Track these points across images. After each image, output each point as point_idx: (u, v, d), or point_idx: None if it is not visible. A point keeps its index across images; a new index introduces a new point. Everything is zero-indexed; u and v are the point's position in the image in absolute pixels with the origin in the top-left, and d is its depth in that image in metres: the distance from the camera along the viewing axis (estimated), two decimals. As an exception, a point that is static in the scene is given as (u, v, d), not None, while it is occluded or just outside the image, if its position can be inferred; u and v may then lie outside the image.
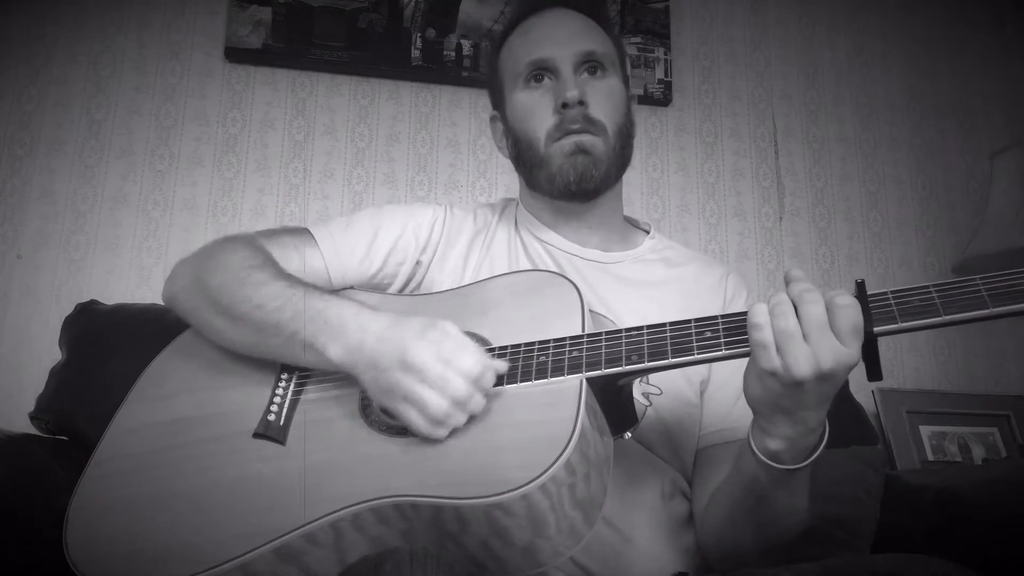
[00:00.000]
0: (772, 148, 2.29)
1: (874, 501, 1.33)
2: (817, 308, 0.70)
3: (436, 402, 0.74)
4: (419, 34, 2.09)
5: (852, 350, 0.70)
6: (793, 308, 0.71)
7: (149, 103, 1.97)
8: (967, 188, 2.37)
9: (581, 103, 1.02)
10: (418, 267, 1.08)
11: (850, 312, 0.69)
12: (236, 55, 2.00)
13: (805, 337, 0.70)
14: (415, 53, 2.08)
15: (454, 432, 0.76)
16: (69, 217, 1.87)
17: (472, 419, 0.76)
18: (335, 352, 0.81)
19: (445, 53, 2.09)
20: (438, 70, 2.09)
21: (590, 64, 1.06)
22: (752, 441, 0.79)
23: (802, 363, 0.69)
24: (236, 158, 1.98)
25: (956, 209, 2.35)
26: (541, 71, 1.05)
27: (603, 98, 1.05)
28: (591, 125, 1.03)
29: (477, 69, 2.10)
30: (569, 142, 1.03)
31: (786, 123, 2.31)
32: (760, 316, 0.72)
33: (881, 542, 1.28)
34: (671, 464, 0.98)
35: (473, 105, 2.12)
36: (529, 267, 1.06)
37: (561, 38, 1.06)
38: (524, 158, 1.08)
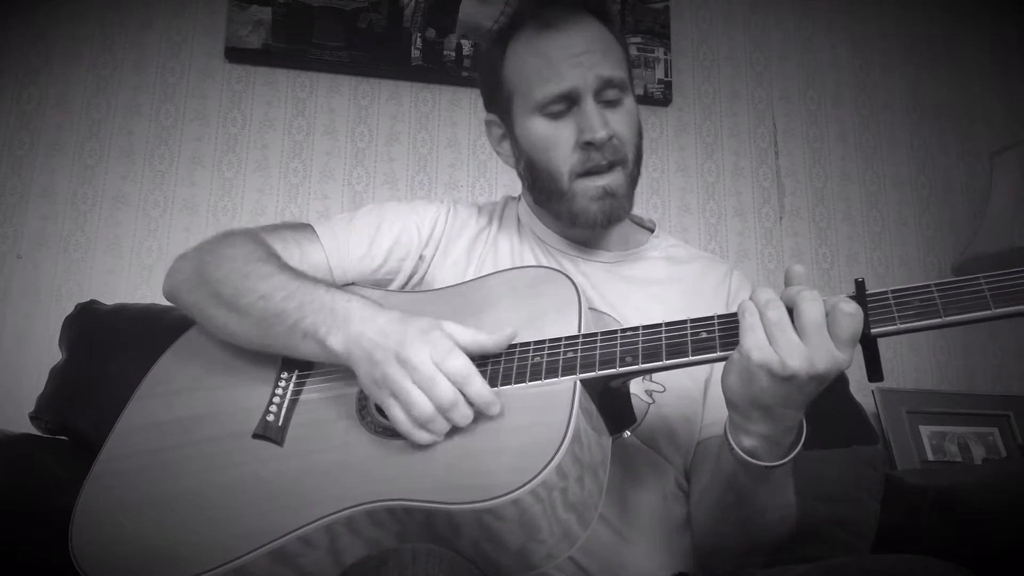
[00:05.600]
0: (772, 148, 2.29)
1: (874, 501, 1.33)
2: (816, 307, 0.70)
3: (422, 403, 0.74)
4: (419, 34, 2.09)
5: (847, 356, 0.70)
6: (783, 306, 0.71)
7: (149, 103, 1.97)
8: (967, 188, 2.37)
9: (609, 139, 0.99)
10: (420, 263, 1.07)
11: (853, 321, 0.69)
12: (236, 55, 2.00)
13: (802, 336, 0.70)
14: (415, 53, 2.08)
15: (440, 439, 0.75)
16: (69, 217, 1.87)
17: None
18: (336, 341, 0.81)
19: (445, 53, 2.09)
20: (438, 70, 2.09)
21: (610, 91, 1.01)
22: (729, 437, 0.79)
23: (796, 355, 0.69)
24: (236, 158, 1.98)
25: (956, 209, 2.35)
26: (562, 102, 1.00)
27: (624, 126, 1.02)
28: (615, 157, 1.01)
29: (477, 69, 2.10)
30: (595, 186, 1.01)
31: (786, 123, 2.31)
32: (750, 304, 0.73)
33: (881, 542, 1.28)
34: (675, 463, 0.98)
35: (473, 105, 2.12)
36: (532, 263, 1.06)
37: (579, 59, 1.00)
38: (542, 186, 1.05)
